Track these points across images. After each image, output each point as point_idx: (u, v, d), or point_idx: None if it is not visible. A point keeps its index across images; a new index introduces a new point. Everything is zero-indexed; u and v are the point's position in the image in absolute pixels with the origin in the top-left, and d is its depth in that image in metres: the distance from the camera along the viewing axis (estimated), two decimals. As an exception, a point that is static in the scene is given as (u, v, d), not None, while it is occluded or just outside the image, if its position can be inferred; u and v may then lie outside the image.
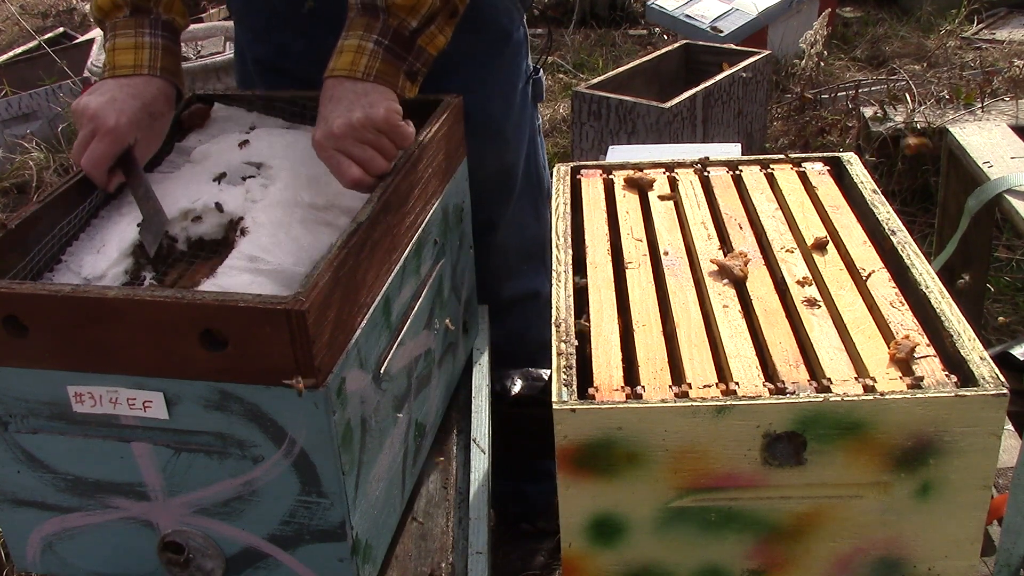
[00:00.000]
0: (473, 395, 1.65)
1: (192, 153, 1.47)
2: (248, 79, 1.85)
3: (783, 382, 1.07)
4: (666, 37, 5.39)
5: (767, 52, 3.74)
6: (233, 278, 1.21)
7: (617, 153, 2.28)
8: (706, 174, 1.53)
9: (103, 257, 1.29)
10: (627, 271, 1.30)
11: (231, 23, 4.42)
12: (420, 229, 1.39)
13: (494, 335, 1.81)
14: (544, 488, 2.06)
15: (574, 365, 1.11)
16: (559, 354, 1.13)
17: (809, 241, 1.33)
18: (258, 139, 1.46)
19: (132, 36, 1.43)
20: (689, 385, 1.08)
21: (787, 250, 1.32)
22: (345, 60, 1.33)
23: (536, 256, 1.99)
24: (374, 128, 1.29)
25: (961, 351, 1.08)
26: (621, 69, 3.64)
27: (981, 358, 1.06)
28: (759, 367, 1.10)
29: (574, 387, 1.08)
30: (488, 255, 1.78)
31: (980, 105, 3.53)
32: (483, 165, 1.72)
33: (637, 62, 3.74)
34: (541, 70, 1.92)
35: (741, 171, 1.53)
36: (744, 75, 3.52)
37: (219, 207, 1.35)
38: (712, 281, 1.26)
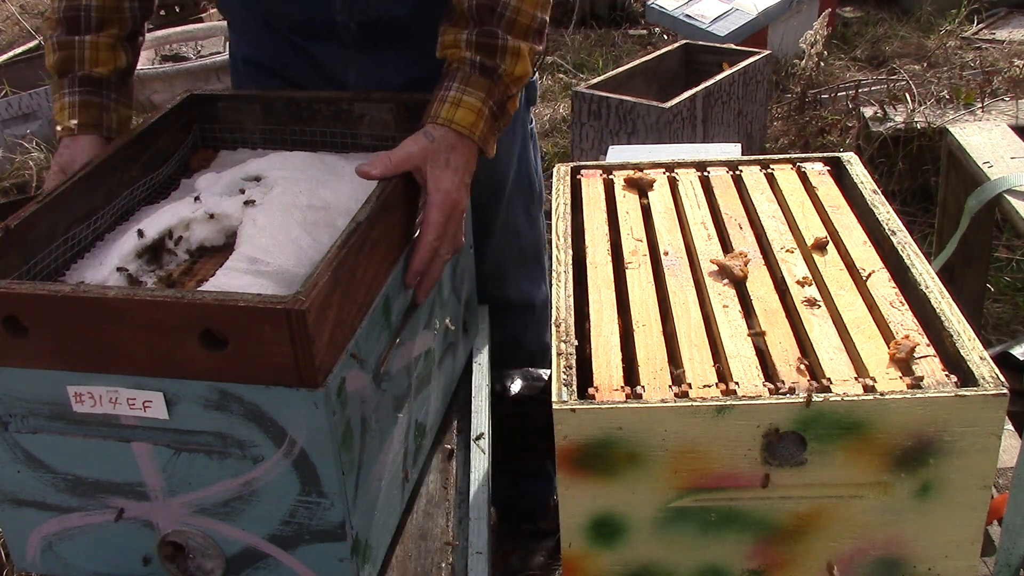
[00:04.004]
0: (473, 395, 1.65)
1: (196, 183, 1.49)
2: (240, 81, 1.85)
3: (783, 382, 1.07)
4: (666, 37, 5.39)
5: (767, 52, 3.74)
6: (234, 280, 1.21)
7: (617, 153, 2.28)
8: (706, 174, 1.53)
9: (105, 268, 1.30)
10: (627, 271, 1.30)
11: (231, 23, 4.43)
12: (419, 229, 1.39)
13: (491, 341, 1.80)
14: (543, 487, 2.06)
15: (574, 365, 1.11)
16: (559, 354, 1.12)
17: (809, 241, 1.33)
18: (256, 159, 1.48)
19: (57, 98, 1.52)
20: (689, 385, 1.08)
21: (787, 250, 1.32)
22: (467, 117, 1.36)
23: (530, 261, 1.96)
24: (462, 214, 1.37)
25: (961, 351, 1.08)
26: (621, 69, 3.64)
27: (981, 358, 1.06)
28: (759, 367, 1.10)
29: (574, 387, 1.07)
30: (481, 262, 1.77)
31: (980, 105, 3.53)
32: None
33: (637, 62, 3.75)
34: (536, 73, 1.87)
35: (741, 171, 1.53)
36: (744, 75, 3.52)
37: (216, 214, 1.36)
38: (712, 281, 1.26)
